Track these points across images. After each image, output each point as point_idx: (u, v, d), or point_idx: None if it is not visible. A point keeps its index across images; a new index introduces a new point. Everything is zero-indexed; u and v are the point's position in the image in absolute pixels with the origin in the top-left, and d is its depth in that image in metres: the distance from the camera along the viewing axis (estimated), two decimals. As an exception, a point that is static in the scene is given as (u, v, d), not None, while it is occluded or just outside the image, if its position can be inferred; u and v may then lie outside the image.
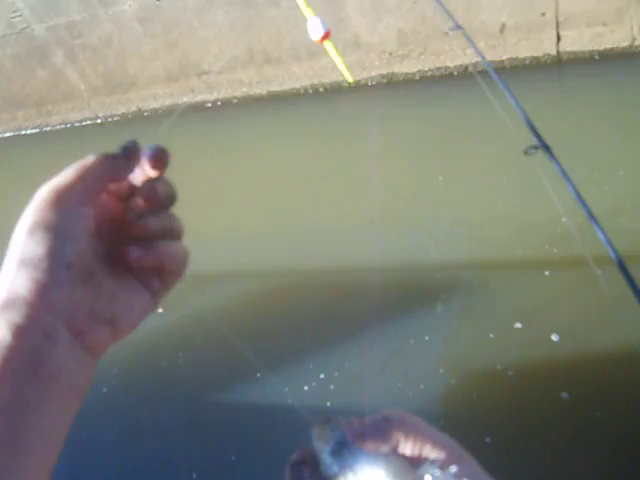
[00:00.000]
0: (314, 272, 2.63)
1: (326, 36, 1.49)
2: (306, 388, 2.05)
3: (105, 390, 2.24)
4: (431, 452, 0.39)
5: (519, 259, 2.34)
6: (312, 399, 2.03)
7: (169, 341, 2.46)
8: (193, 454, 1.96)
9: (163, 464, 1.99)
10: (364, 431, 0.40)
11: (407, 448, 0.39)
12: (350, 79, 1.56)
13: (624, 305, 1.14)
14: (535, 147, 1.19)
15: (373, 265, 2.46)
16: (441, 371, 2.01)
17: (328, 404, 2.00)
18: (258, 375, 2.13)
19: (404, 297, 2.33)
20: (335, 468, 0.39)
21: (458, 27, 1.73)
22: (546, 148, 1.18)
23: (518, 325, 2.03)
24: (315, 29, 1.45)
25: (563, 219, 2.44)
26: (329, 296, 2.45)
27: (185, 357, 2.35)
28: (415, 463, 0.38)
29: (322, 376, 2.08)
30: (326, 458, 0.40)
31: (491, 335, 2.03)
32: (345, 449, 0.39)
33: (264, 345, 2.29)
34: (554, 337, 1.95)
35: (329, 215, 3.01)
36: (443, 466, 0.37)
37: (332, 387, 2.04)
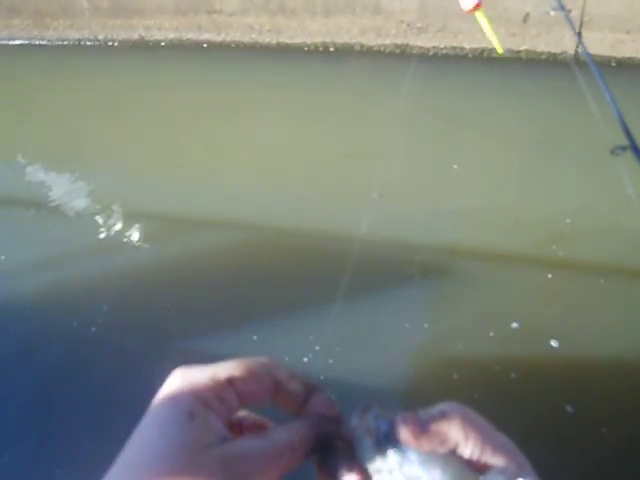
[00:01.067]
0: (315, 236, 2.58)
1: (477, 7, 1.42)
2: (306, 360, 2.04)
3: (94, 330, 2.19)
4: (491, 457, 0.35)
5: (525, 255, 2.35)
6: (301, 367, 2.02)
7: (159, 286, 2.42)
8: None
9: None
10: (420, 428, 0.35)
11: (467, 450, 0.35)
12: (500, 50, 1.50)
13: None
14: (623, 147, 1.14)
15: (375, 239, 2.44)
16: (436, 358, 2.00)
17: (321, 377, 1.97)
18: (254, 338, 2.12)
19: (398, 275, 2.31)
20: (379, 463, 0.35)
21: (561, 8, 1.64)
22: (635, 149, 1.12)
23: (515, 325, 2.04)
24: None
25: (567, 220, 2.45)
26: (328, 264, 2.41)
27: (175, 306, 2.30)
28: (474, 467, 0.35)
29: (317, 348, 2.06)
30: (367, 450, 0.36)
31: (491, 334, 2.03)
32: (391, 443, 0.35)
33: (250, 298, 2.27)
34: (553, 343, 1.97)
35: (324, 179, 2.96)
36: (508, 477, 0.33)
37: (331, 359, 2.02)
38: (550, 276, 2.23)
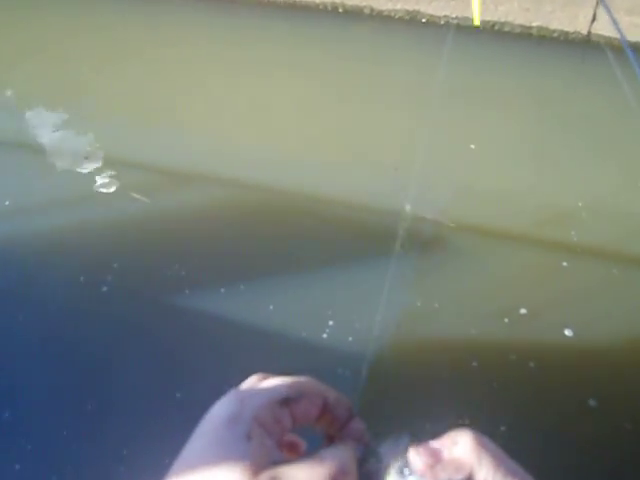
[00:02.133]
0: (315, 199, 2.56)
1: None
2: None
3: (105, 289, 2.17)
4: None
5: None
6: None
7: (168, 246, 2.40)
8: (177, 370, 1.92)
9: (155, 362, 1.94)
10: (434, 458, 0.36)
11: (481, 474, 0.35)
12: (477, 22, 1.48)
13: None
14: None
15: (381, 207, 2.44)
16: (451, 343, 2.02)
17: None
18: (242, 287, 2.13)
19: (400, 253, 2.31)
20: None
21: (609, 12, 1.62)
22: None
23: (523, 311, 2.04)
24: None
25: (580, 204, 2.46)
26: (326, 228, 2.41)
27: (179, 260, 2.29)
28: None
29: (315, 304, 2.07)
30: (391, 474, 0.37)
31: (505, 320, 2.02)
32: (411, 471, 0.37)
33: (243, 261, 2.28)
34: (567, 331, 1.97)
35: (332, 147, 2.93)
36: None
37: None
38: (565, 264, 2.23)
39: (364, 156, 2.81)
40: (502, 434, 1.71)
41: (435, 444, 0.38)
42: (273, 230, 2.44)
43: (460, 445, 0.37)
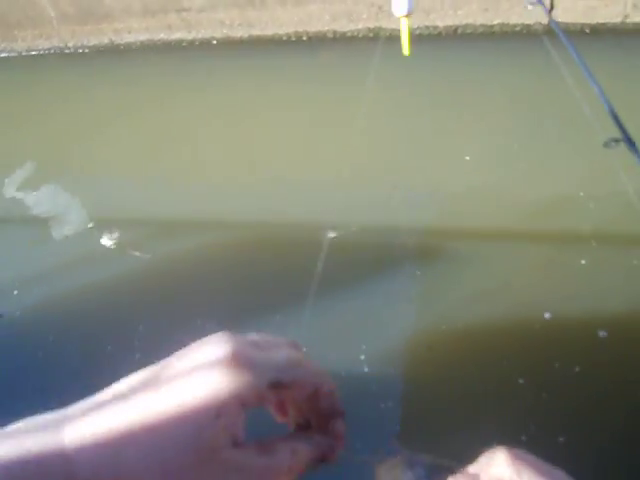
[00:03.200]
0: (298, 227, 2.55)
1: (408, 14, 1.42)
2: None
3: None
4: None
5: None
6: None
7: (133, 293, 2.40)
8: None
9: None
10: None
11: None
12: (407, 53, 1.51)
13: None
14: (616, 140, 1.12)
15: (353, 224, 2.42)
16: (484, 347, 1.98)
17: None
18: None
19: (393, 261, 2.29)
20: None
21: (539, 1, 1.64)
22: (630, 142, 1.10)
23: (547, 315, 1.98)
24: (401, 6, 1.38)
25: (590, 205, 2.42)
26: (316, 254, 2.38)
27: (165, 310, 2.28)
28: None
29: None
30: None
31: (537, 326, 1.92)
32: None
33: (232, 300, 2.26)
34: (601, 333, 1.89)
35: (304, 168, 2.93)
36: None
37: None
38: (583, 262, 2.15)
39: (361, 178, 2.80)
40: (562, 445, 1.63)
41: (471, 469, 0.36)
42: (281, 264, 2.41)
43: (496, 463, 0.35)
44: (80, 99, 4.01)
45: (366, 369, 1.93)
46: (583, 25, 3.41)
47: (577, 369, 1.80)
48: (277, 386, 0.34)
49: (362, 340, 2.01)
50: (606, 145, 1.11)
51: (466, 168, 2.71)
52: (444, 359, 1.93)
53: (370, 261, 2.33)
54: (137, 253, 2.60)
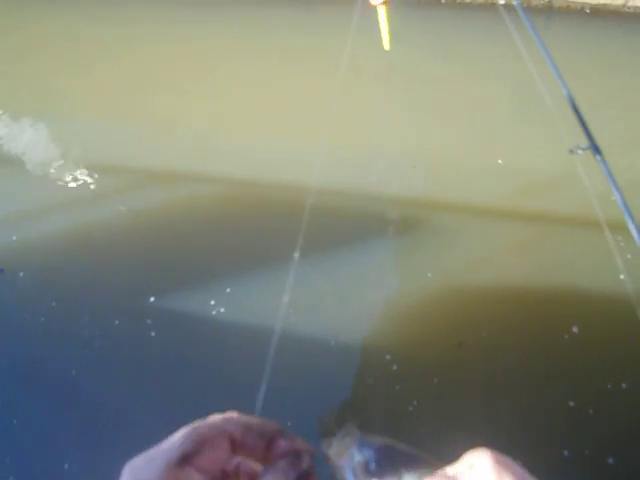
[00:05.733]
0: (293, 189, 2.52)
1: (385, 2, 1.38)
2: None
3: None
4: None
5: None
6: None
7: (121, 241, 2.38)
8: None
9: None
10: None
11: None
12: (387, 47, 1.46)
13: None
14: (583, 148, 1.12)
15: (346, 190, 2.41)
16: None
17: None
18: (228, 290, 2.11)
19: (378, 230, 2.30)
20: None
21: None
22: (596, 150, 1.10)
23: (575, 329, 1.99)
24: None
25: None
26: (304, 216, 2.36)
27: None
28: None
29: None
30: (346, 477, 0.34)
31: (566, 336, 1.85)
32: (381, 469, 0.33)
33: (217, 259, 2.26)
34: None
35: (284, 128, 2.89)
36: None
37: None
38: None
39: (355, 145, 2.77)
40: (611, 467, 1.54)
41: (450, 471, 0.34)
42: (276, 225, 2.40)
43: (477, 468, 0.32)
44: (67, 38, 3.89)
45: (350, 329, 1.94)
46: (584, 5, 3.38)
47: (624, 385, 1.72)
48: (187, 459, 0.33)
49: (345, 302, 2.03)
50: (572, 152, 1.13)
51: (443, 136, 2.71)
52: (424, 328, 1.93)
53: (350, 223, 2.34)
54: (122, 208, 2.56)
